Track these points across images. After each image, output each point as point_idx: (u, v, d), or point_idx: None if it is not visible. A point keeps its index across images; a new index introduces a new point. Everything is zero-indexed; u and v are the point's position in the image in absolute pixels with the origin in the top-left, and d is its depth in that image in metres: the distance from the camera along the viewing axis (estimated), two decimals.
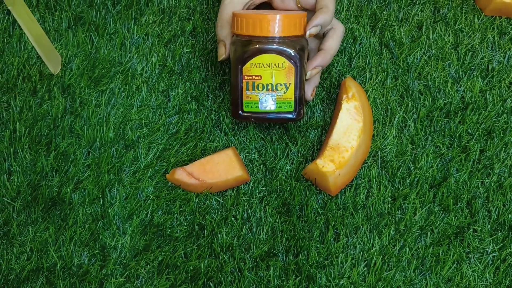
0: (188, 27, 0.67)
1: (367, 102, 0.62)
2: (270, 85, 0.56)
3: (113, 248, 0.57)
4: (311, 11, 0.58)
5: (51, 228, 0.58)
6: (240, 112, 0.57)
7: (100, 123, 0.62)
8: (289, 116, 0.57)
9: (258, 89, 0.56)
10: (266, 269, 0.57)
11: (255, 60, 0.55)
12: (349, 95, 0.60)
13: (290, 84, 0.56)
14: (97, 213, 0.59)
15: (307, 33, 0.55)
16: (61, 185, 0.60)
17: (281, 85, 0.56)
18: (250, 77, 0.56)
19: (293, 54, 0.55)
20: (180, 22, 0.67)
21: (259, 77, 0.56)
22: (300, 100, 0.57)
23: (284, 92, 0.56)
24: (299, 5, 0.58)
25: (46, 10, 0.67)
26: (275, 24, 0.54)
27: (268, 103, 0.56)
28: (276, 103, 0.57)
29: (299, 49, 0.55)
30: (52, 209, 0.59)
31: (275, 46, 0.54)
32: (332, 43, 0.58)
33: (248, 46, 0.55)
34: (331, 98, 0.64)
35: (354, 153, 0.58)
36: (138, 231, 0.58)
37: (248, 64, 0.55)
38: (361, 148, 0.59)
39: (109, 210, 0.59)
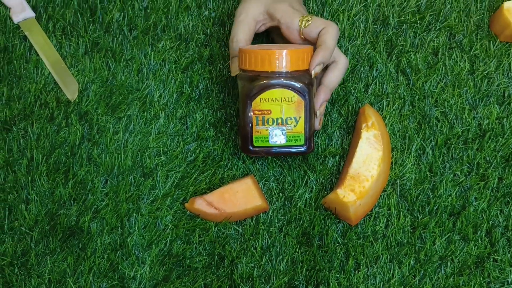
0: (205, 53, 0.67)
1: (385, 129, 0.62)
2: (280, 119, 0.55)
3: (132, 279, 0.57)
4: (313, 43, 0.58)
5: (70, 258, 0.58)
6: (250, 147, 0.57)
7: (118, 151, 0.62)
8: (300, 149, 0.57)
9: (268, 124, 0.56)
10: None
11: (264, 95, 0.55)
12: (368, 124, 0.60)
13: (300, 117, 0.56)
14: (116, 243, 0.58)
15: (312, 73, 0.55)
16: (79, 214, 0.59)
17: (291, 118, 0.55)
18: (260, 112, 0.55)
19: (302, 88, 0.55)
20: (197, 48, 0.67)
21: (269, 112, 0.55)
22: (310, 133, 0.57)
23: (294, 126, 0.56)
24: (302, 36, 0.58)
25: (63, 36, 0.67)
26: (283, 59, 0.54)
27: (279, 138, 0.56)
28: (287, 137, 0.56)
29: (308, 83, 0.55)
30: (70, 238, 0.59)
31: (283, 80, 0.54)
32: (333, 77, 0.58)
33: (257, 81, 0.55)
34: (348, 125, 0.64)
35: (374, 182, 0.58)
36: (157, 261, 0.58)
37: (257, 99, 0.55)
38: (381, 177, 0.59)
39: (128, 240, 0.58)
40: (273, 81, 0.54)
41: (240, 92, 0.56)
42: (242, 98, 0.56)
